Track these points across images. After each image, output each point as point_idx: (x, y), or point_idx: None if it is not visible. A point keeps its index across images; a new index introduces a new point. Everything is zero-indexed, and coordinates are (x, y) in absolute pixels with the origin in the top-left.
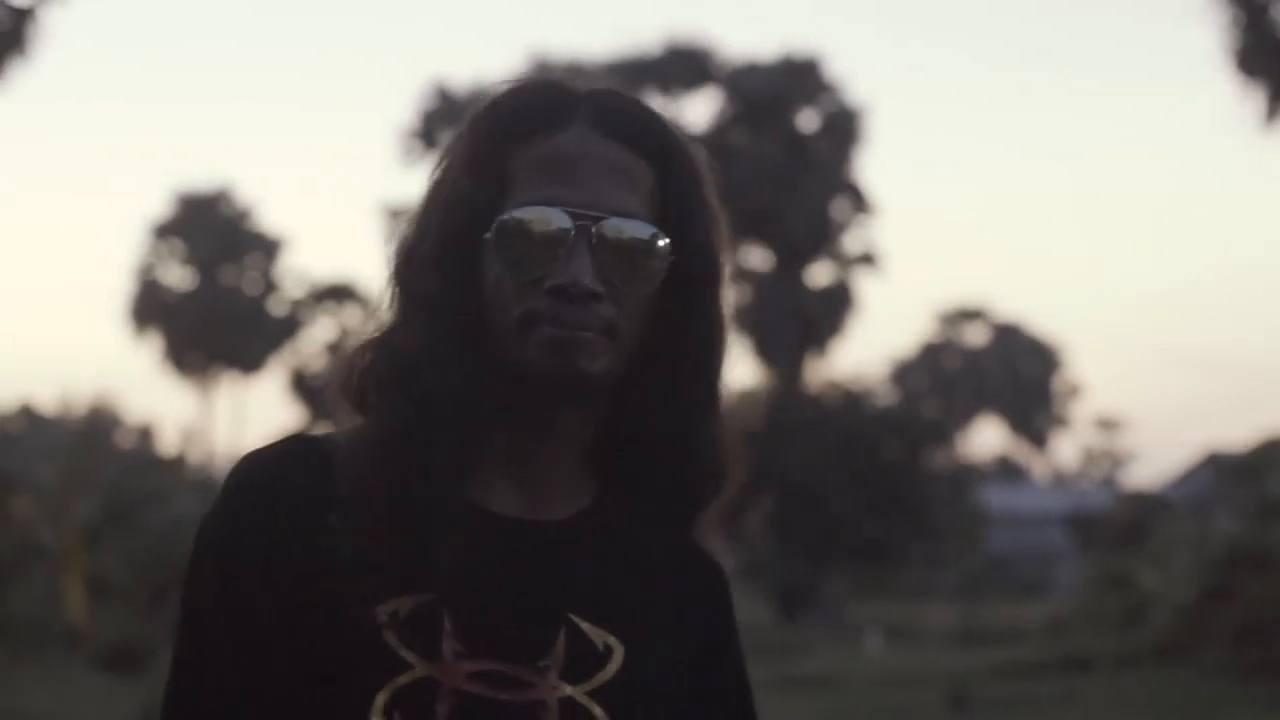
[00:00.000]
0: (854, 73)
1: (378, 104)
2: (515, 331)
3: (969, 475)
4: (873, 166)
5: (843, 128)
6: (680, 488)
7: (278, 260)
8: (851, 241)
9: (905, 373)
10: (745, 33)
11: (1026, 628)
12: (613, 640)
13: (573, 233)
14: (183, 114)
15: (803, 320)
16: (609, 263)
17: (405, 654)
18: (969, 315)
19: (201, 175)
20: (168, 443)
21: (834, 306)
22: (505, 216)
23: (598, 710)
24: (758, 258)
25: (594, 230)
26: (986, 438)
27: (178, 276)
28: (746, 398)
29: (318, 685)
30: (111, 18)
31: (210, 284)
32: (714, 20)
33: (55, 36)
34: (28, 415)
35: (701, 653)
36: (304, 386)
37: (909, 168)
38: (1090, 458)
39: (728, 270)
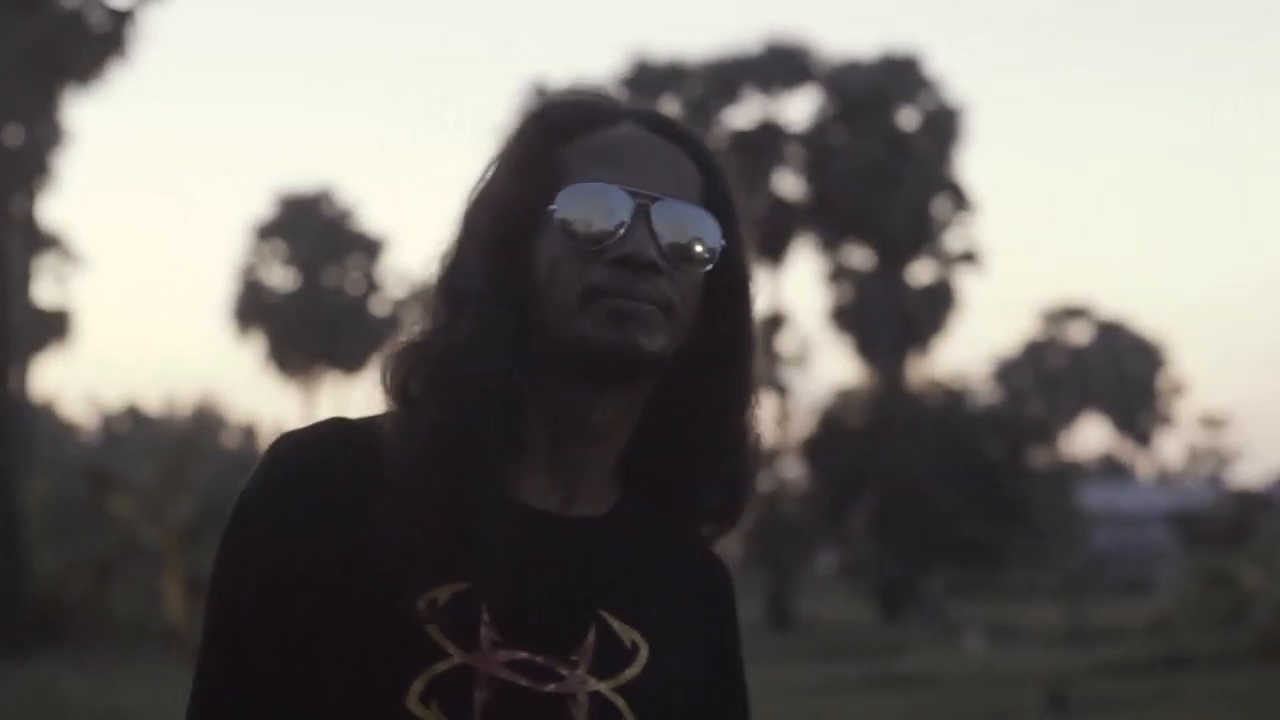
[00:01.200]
0: (954, 70)
1: (477, 104)
2: (576, 307)
3: (1072, 474)
4: (973, 164)
5: (943, 125)
6: (708, 492)
7: (379, 260)
8: (953, 239)
9: (1009, 371)
10: (845, 31)
11: (1128, 627)
12: (639, 638)
13: (633, 209)
14: (284, 115)
15: (904, 319)
16: (666, 241)
17: (443, 642)
18: (1072, 313)
19: (303, 176)
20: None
21: (935, 305)
22: (568, 189)
23: (623, 706)
24: (858, 257)
25: (652, 209)
26: (1090, 436)
27: (280, 277)
28: (848, 397)
29: (355, 670)
30: (211, 19)
31: (312, 284)
32: (813, 19)
33: (155, 38)
34: (134, 416)
35: (713, 655)
36: None
37: (1010, 165)
38: (1195, 456)
39: (754, 278)
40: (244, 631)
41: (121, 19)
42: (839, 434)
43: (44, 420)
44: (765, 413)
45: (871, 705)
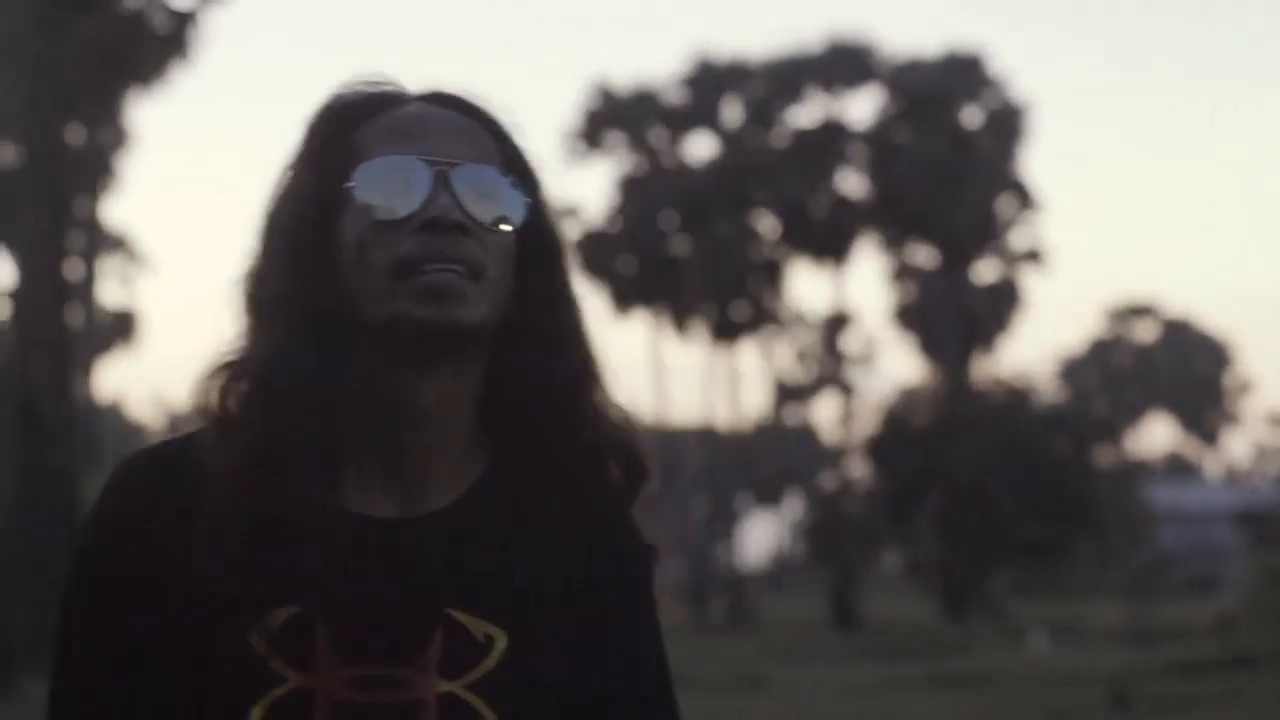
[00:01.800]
0: (1017, 68)
1: (542, 104)
2: (387, 284)
3: (1137, 473)
4: (1038, 162)
5: (1007, 124)
6: (575, 462)
7: None
8: (1017, 238)
9: (1074, 370)
10: (908, 29)
11: (1194, 626)
12: (494, 630)
13: (432, 176)
14: None
15: (968, 318)
16: (469, 203)
17: (279, 667)
18: (1138, 312)
19: None
20: None
21: (1000, 304)
22: (364, 166)
23: (478, 703)
24: (923, 255)
25: (452, 174)
26: (1156, 435)
27: None
28: (912, 396)
29: (195, 702)
30: (272, 20)
31: None
32: (876, 17)
33: (216, 38)
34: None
35: (602, 636)
36: None
37: (1075, 163)
38: (1262, 454)
39: (566, 247)
40: (89, 660)
41: (183, 20)
42: (904, 433)
43: (111, 421)
44: (828, 409)
45: (934, 704)
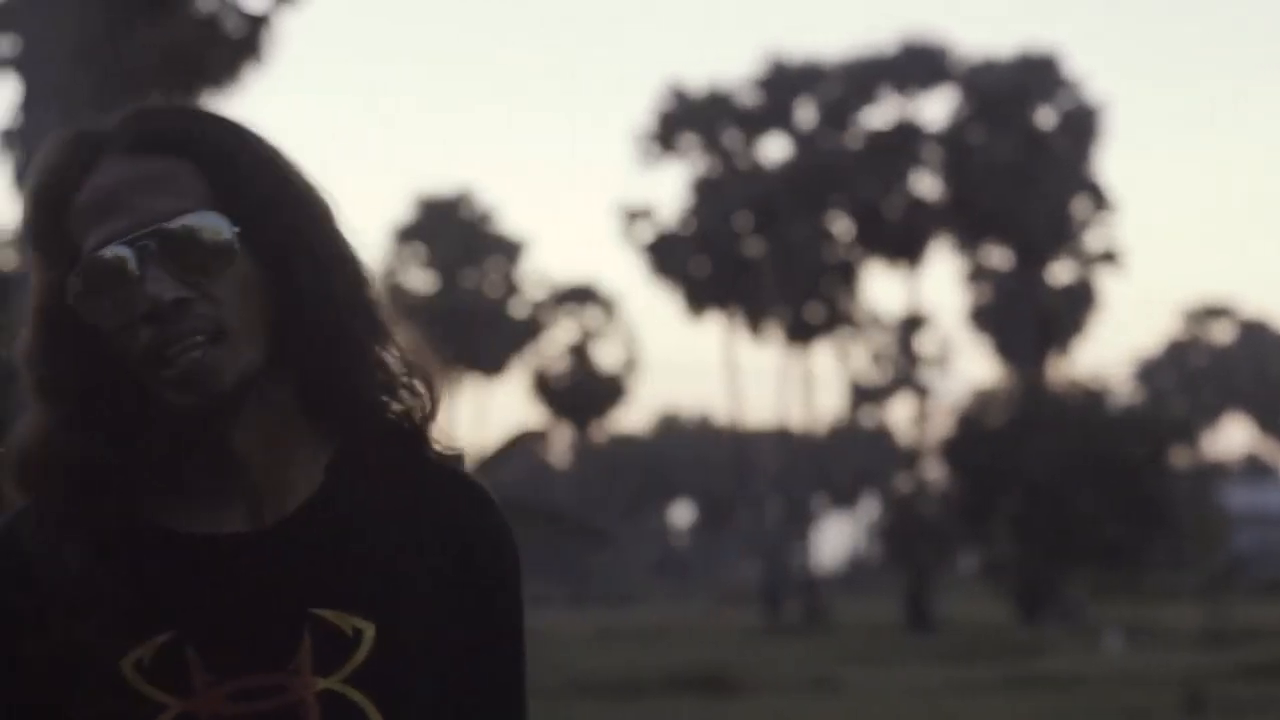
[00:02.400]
0: (1092, 68)
1: (615, 107)
2: (148, 375)
3: (1213, 474)
4: (1112, 163)
5: (1081, 124)
6: (388, 427)
7: (518, 263)
8: (1092, 239)
9: (1150, 371)
10: (982, 30)
11: (1270, 628)
12: (361, 622)
13: (132, 260)
14: (423, 118)
15: (1043, 319)
16: (183, 265)
17: (158, 696)
18: (1215, 313)
19: (442, 179)
20: None
21: (1075, 305)
22: (72, 278)
23: (356, 695)
24: (997, 257)
25: (152, 246)
26: (1233, 436)
27: (419, 279)
28: (987, 397)
29: None
30: (347, 22)
31: (452, 287)
32: (950, 18)
33: (290, 41)
34: None
35: (462, 610)
36: (546, 388)
37: (1150, 163)
38: None
39: (328, 215)
40: None
41: (256, 23)
42: (979, 435)
43: None
44: (904, 410)
45: (1006, 707)
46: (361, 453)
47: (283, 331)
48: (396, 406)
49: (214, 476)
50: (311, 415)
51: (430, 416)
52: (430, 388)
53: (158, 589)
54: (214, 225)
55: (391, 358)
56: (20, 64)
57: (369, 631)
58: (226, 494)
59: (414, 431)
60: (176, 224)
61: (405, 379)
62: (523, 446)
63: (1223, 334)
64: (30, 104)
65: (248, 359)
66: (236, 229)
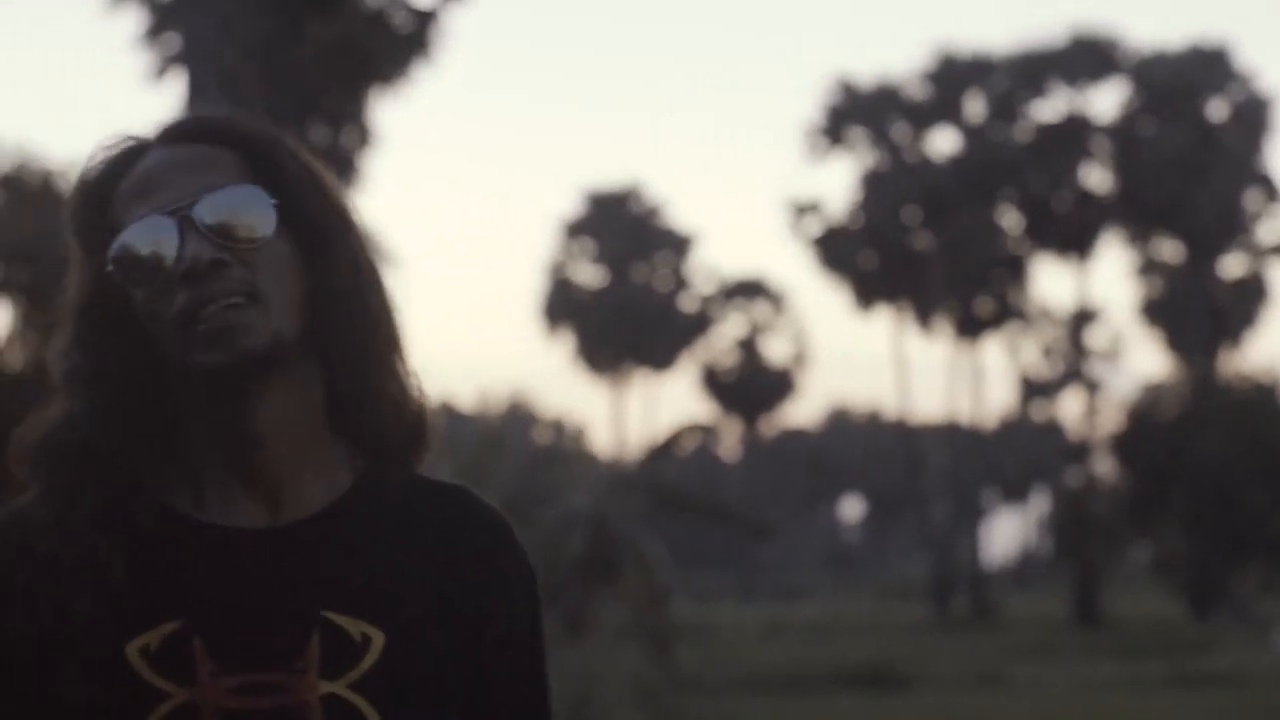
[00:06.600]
0: (1264, 61)
1: (784, 100)
2: (180, 340)
3: None
4: None
5: (1252, 116)
6: (408, 441)
7: (687, 257)
8: (1265, 232)
9: None
10: (1151, 22)
11: None
12: (370, 629)
13: (177, 226)
14: (592, 113)
15: (1215, 312)
16: (219, 232)
17: (162, 684)
18: None
19: (611, 173)
20: (579, 439)
21: (1247, 298)
22: (113, 249)
23: (360, 701)
24: (1168, 250)
25: (193, 213)
26: None
27: (589, 274)
28: (1158, 391)
29: None
30: (516, 18)
31: (621, 281)
32: (1119, 10)
33: (460, 37)
34: (447, 413)
35: (475, 630)
36: (715, 382)
37: None
38: None
39: (353, 220)
40: None
41: (425, 19)
42: (1149, 429)
43: None
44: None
45: (1172, 703)
46: (385, 465)
47: (314, 326)
48: (411, 421)
49: (233, 465)
50: (335, 414)
51: (429, 438)
52: (424, 411)
53: (169, 576)
54: (255, 195)
55: (404, 374)
56: (188, 59)
57: (378, 639)
58: (244, 486)
59: (427, 448)
60: (218, 195)
61: (417, 396)
62: (689, 440)
63: None
64: (197, 100)
65: (280, 326)
66: (275, 202)
